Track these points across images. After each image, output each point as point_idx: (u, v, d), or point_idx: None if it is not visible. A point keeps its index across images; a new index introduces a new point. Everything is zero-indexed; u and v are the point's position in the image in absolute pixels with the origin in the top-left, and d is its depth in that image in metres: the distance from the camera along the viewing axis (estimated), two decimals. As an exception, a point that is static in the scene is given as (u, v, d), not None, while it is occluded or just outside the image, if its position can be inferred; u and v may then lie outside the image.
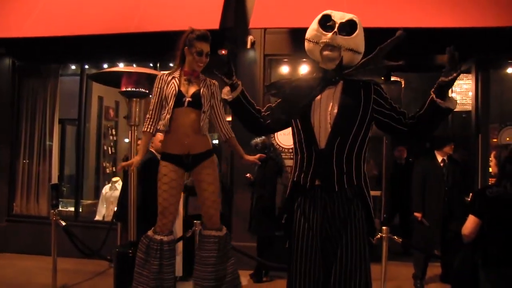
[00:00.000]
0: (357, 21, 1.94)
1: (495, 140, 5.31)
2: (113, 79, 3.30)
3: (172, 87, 2.86)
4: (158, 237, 2.91)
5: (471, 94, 5.38)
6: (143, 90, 3.22)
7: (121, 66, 5.60)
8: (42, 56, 5.91)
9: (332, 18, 1.93)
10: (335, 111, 1.89)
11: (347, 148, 1.90)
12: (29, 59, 6.07)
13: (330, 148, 1.89)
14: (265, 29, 5.21)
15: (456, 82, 5.88)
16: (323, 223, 1.92)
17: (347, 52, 1.91)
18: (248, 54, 5.27)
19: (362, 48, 1.98)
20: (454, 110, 1.90)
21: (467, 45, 4.96)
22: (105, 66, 5.83)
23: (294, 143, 2.03)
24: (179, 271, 4.66)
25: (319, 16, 1.98)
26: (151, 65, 5.72)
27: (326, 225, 1.93)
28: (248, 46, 5.18)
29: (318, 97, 1.93)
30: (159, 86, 2.90)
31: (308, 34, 2.00)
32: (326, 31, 1.92)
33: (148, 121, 2.90)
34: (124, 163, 3.00)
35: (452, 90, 5.90)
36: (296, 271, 1.95)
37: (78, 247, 4.36)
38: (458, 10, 4.40)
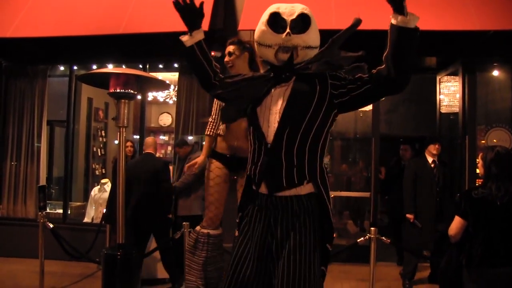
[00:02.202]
0: (309, 13, 1.75)
1: (483, 141, 5.37)
2: (102, 80, 3.27)
3: None
4: (205, 231, 3.09)
5: (458, 96, 5.45)
6: (131, 91, 3.19)
7: (110, 67, 5.57)
8: (30, 57, 5.85)
9: (282, 15, 1.74)
10: (283, 108, 1.73)
11: (297, 141, 1.72)
12: (16, 59, 6.00)
13: (279, 145, 1.72)
14: (254, 30, 5.21)
15: (444, 84, 5.97)
16: (266, 234, 1.78)
17: (304, 50, 1.75)
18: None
19: (318, 42, 1.80)
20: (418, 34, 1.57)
21: (454, 48, 5.02)
22: (94, 67, 5.80)
23: (248, 134, 1.88)
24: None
25: (266, 16, 1.79)
26: (140, 66, 5.69)
27: (269, 237, 1.77)
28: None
29: (269, 96, 1.77)
30: None
31: (257, 37, 1.81)
32: (278, 32, 1.73)
33: (210, 125, 3.10)
34: (190, 164, 3.21)
35: (440, 91, 5.98)
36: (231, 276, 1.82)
37: (66, 249, 4.32)
38: (444, 13, 4.45)
